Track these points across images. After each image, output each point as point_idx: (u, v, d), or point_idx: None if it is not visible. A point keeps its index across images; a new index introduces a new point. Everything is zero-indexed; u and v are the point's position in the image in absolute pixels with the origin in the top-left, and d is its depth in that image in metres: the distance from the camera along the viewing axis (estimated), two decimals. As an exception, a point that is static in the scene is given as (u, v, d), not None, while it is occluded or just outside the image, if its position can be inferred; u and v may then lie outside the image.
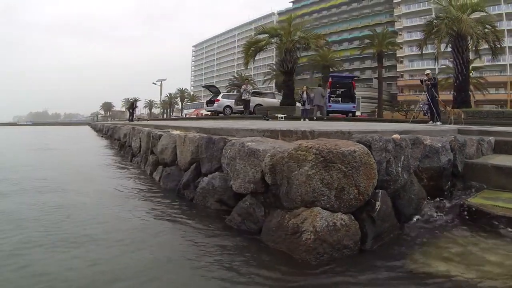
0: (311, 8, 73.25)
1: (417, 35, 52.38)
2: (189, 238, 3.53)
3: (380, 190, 3.47)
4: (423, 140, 4.43)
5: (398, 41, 49.90)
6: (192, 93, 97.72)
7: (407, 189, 4.04)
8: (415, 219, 4.00)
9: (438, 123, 11.48)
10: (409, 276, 2.74)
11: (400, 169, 3.79)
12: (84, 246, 3.27)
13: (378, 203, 3.39)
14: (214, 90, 28.29)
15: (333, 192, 2.91)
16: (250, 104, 21.97)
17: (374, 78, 52.38)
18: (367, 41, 45.84)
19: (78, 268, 2.81)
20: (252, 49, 23.35)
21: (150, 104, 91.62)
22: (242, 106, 22.96)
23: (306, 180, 2.88)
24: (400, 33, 56.07)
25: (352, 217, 3.10)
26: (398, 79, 58.84)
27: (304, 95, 18.64)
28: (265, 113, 18.66)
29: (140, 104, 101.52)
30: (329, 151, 2.87)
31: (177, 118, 41.62)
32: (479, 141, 5.85)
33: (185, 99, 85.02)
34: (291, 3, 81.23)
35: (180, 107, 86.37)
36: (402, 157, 3.86)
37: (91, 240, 3.41)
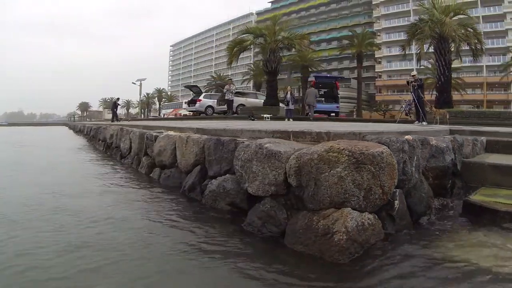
0: (290, 9, 73.76)
1: (396, 36, 54.07)
2: (204, 243, 3.41)
3: (398, 190, 3.54)
4: (430, 140, 4.55)
5: (377, 42, 51.04)
6: (170, 93, 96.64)
7: (417, 188, 4.13)
8: (425, 217, 4.11)
9: (424, 123, 11.80)
10: (438, 268, 2.81)
11: (414, 168, 3.88)
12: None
13: (397, 202, 3.47)
14: (195, 90, 28.13)
15: (362, 192, 2.95)
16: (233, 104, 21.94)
17: (352, 78, 53.34)
18: (346, 41, 46.65)
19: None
20: (236, 49, 23.30)
21: (127, 104, 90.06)
22: (224, 106, 22.88)
23: (338, 181, 2.89)
24: (379, 34, 57.47)
25: (376, 216, 3.16)
26: (376, 79, 60.18)
27: (288, 95, 18.78)
28: (251, 113, 18.66)
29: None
30: (361, 153, 2.90)
31: (156, 118, 41.03)
32: (473, 141, 6.04)
33: (163, 99, 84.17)
34: (270, 3, 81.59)
35: (157, 107, 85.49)
36: (415, 157, 3.96)
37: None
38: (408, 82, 12.55)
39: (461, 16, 19.80)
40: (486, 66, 45.82)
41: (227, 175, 4.36)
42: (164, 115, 46.89)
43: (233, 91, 21.42)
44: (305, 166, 3.06)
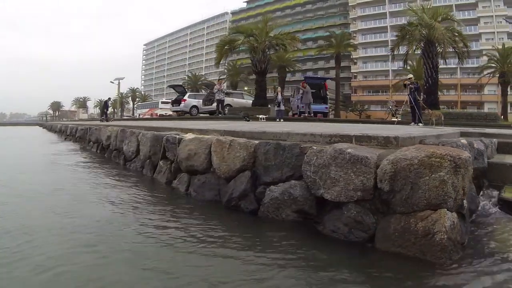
0: (265, 9, 73.98)
1: (372, 38, 55.87)
2: (290, 255, 3.35)
3: (464, 190, 3.84)
4: (473, 143, 4.92)
5: (353, 43, 52.44)
6: (144, 92, 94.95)
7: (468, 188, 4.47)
8: (476, 214, 4.44)
9: (420, 124, 12.39)
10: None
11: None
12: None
13: (465, 201, 3.74)
14: (180, 90, 27.72)
15: (455, 194, 3.20)
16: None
17: (328, 78, 54.52)
18: (322, 42, 47.51)
19: None
20: (226, 47, 23.24)
21: (100, 104, 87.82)
22: (210, 107, 22.73)
23: (439, 185, 3.11)
24: (355, 35, 58.97)
25: (457, 215, 3.40)
26: (352, 80, 61.76)
27: (279, 96, 19.00)
28: (246, 114, 18.77)
29: (91, 104, 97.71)
30: (459, 158, 3.15)
31: (133, 119, 40.16)
32: (490, 143, 6.47)
33: (137, 99, 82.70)
34: (245, 3, 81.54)
35: (130, 106, 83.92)
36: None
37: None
38: (405, 85, 13.13)
39: (446, 20, 20.80)
40: (460, 68, 48.15)
41: (292, 181, 4.33)
42: (139, 115, 45.79)
43: (224, 91, 21.28)
44: (402, 171, 3.24)
